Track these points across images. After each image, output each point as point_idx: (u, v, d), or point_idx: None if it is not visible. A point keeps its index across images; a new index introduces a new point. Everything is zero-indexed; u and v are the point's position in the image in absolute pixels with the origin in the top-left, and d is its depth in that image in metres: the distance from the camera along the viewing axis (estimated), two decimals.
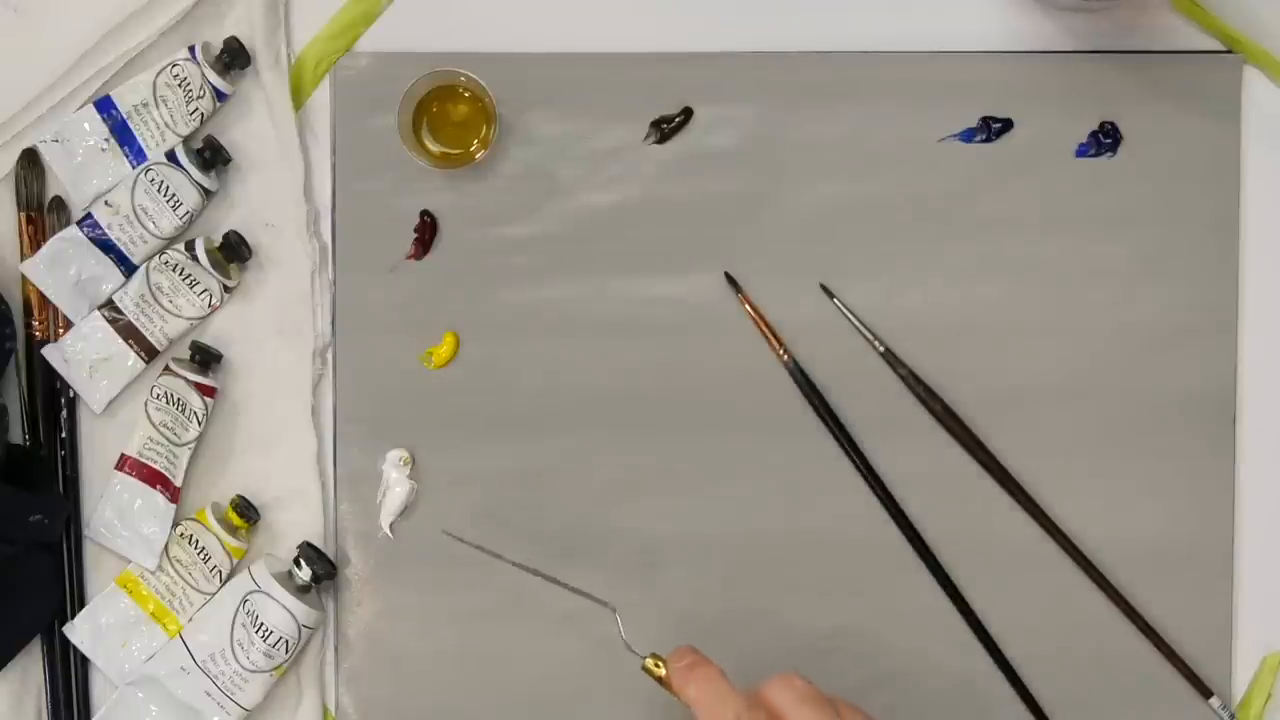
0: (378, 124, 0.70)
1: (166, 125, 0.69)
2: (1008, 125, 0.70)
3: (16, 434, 0.70)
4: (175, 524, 0.69)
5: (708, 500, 0.70)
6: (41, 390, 0.70)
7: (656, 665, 0.59)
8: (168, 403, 0.68)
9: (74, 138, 0.69)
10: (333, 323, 0.70)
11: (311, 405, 0.70)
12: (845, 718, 0.58)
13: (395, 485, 0.69)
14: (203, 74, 0.68)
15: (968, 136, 0.70)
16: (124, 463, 0.69)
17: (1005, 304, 0.70)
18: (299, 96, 0.70)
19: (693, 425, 0.70)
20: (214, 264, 0.69)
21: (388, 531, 0.70)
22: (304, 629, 0.67)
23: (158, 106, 0.69)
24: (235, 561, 0.69)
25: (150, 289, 0.69)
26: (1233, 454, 0.70)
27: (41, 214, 0.70)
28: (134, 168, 0.69)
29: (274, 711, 0.70)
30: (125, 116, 0.69)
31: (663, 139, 0.70)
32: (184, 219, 0.69)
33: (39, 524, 0.67)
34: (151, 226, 0.69)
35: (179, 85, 0.69)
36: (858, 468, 0.69)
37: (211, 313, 0.70)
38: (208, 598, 0.69)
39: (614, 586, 0.70)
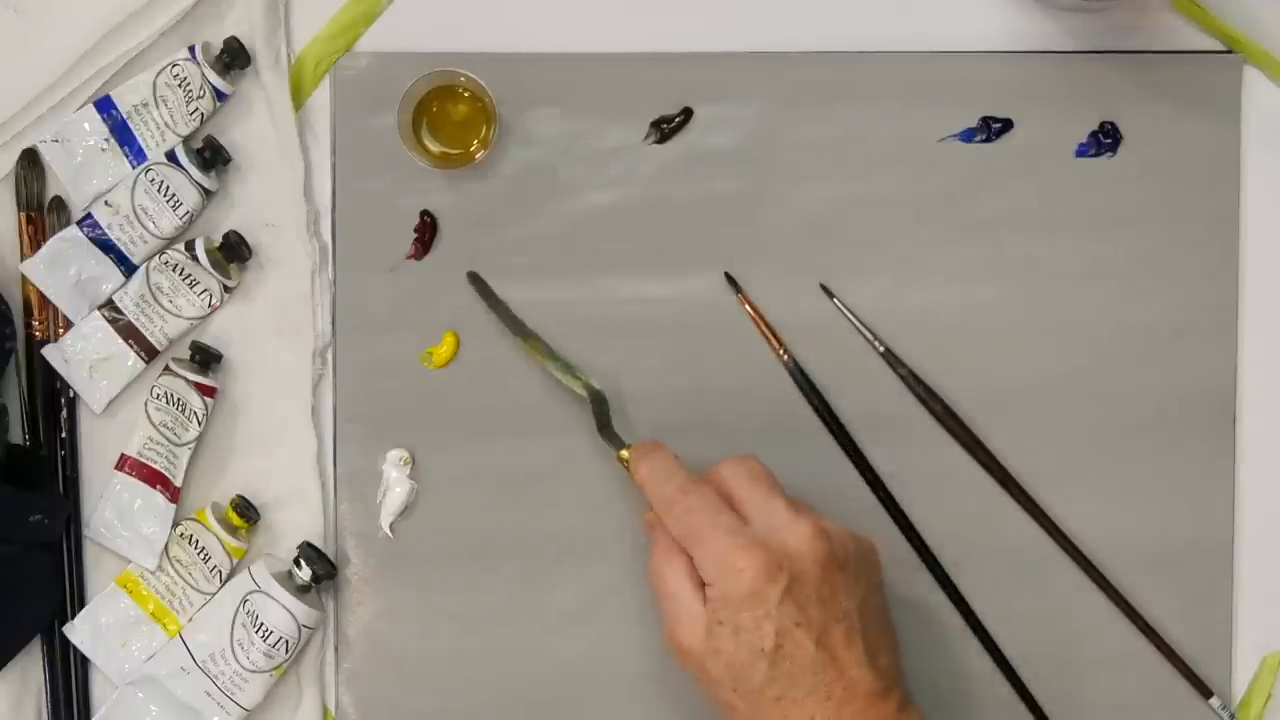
0: (378, 124, 0.70)
1: (166, 125, 0.69)
2: (1008, 125, 0.70)
3: (16, 434, 0.70)
4: (175, 524, 0.69)
5: None
6: (41, 390, 0.70)
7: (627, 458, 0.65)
8: (168, 403, 0.68)
9: (74, 138, 0.69)
10: (333, 323, 0.70)
11: (311, 405, 0.70)
12: (794, 505, 0.61)
13: (395, 485, 0.69)
14: (203, 74, 0.68)
15: (968, 136, 0.70)
16: (124, 463, 0.69)
17: (1005, 304, 0.70)
18: (299, 96, 0.70)
19: (692, 425, 0.70)
20: (214, 264, 0.69)
21: (388, 531, 0.70)
22: (304, 629, 0.67)
23: (158, 106, 0.69)
24: (235, 561, 0.69)
25: (150, 289, 0.69)
26: (1233, 454, 0.70)
27: (41, 214, 0.70)
28: (134, 168, 0.69)
29: (274, 711, 0.70)
30: (125, 116, 0.69)
31: (663, 139, 0.70)
32: (184, 219, 0.69)
33: (39, 524, 0.67)
34: (151, 226, 0.69)
35: (179, 85, 0.69)
36: (858, 468, 0.69)
37: (211, 313, 0.70)
38: (208, 598, 0.69)
39: (614, 586, 0.70)
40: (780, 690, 0.58)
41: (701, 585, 0.60)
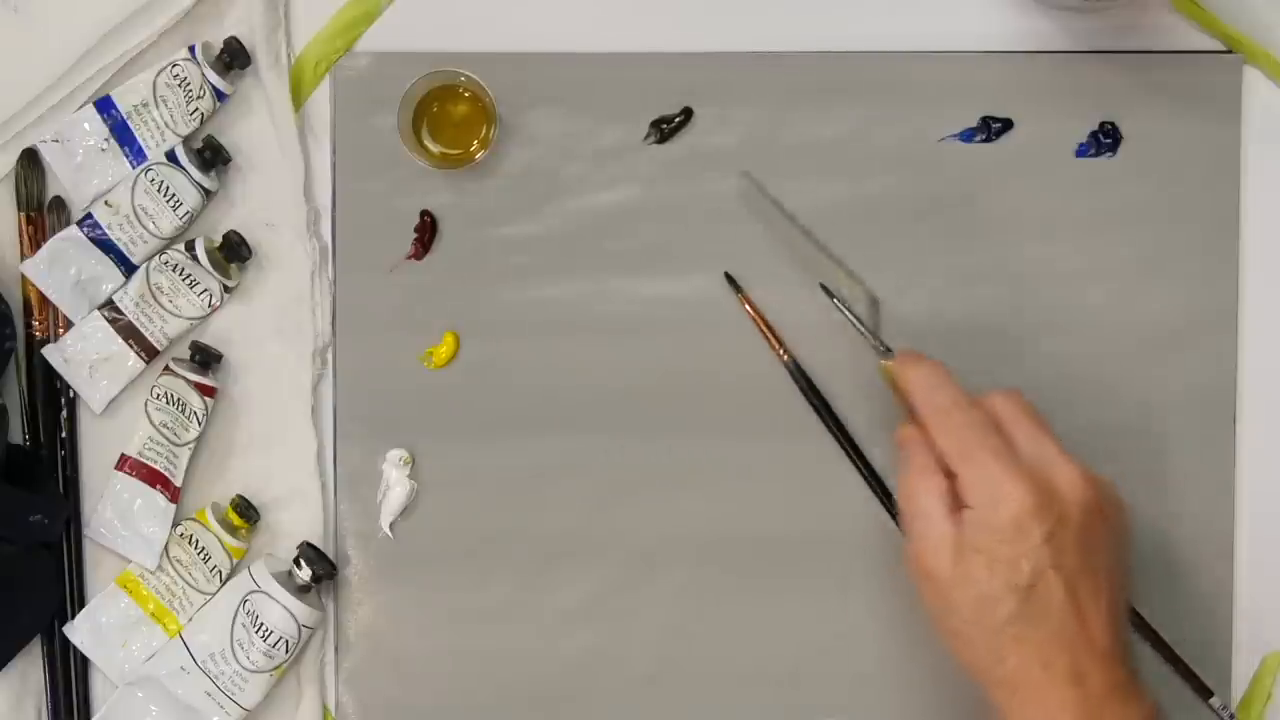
0: (378, 124, 0.70)
1: (166, 125, 0.69)
2: (1008, 125, 0.70)
3: (16, 434, 0.70)
4: (175, 524, 0.69)
5: (708, 500, 0.70)
6: (41, 390, 0.70)
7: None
8: (168, 403, 0.68)
9: (74, 138, 0.69)
10: (333, 323, 0.70)
11: (311, 405, 0.70)
12: (1060, 453, 0.60)
13: (395, 485, 0.69)
14: (203, 74, 0.68)
15: (968, 136, 0.70)
16: (124, 463, 0.69)
17: (1005, 304, 0.70)
18: (299, 96, 0.70)
19: (693, 425, 0.70)
20: (214, 264, 0.69)
21: (388, 531, 0.70)
22: (304, 629, 0.67)
23: (158, 106, 0.69)
24: (235, 561, 0.69)
25: (150, 289, 0.69)
26: (1233, 454, 0.69)
27: (41, 214, 0.70)
28: (134, 168, 0.69)
29: (274, 711, 0.70)
30: (125, 116, 0.69)
31: (663, 139, 0.70)
32: (184, 219, 0.69)
33: (39, 524, 0.67)
34: (151, 226, 0.69)
35: (179, 85, 0.69)
36: (858, 468, 0.69)
37: (211, 313, 0.70)
38: (208, 598, 0.69)
39: (614, 586, 0.70)
40: (1021, 630, 0.57)
41: (955, 510, 0.59)
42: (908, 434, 0.62)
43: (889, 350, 0.65)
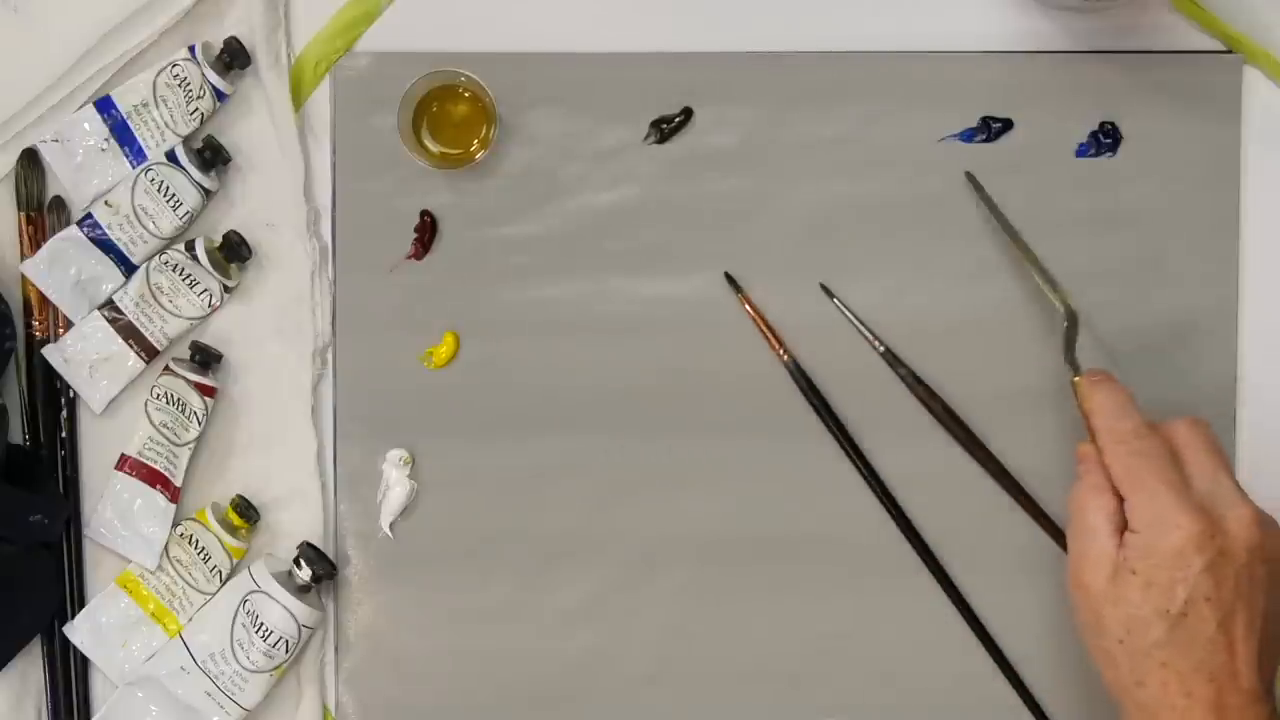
0: (378, 124, 0.70)
1: (166, 125, 0.69)
2: (1008, 125, 0.70)
3: (16, 434, 0.70)
4: (175, 524, 0.69)
5: (708, 500, 0.70)
6: (41, 390, 0.70)
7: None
8: (168, 403, 0.68)
9: (74, 138, 0.69)
10: (333, 323, 0.70)
11: (311, 405, 0.70)
12: (1235, 491, 0.60)
13: (395, 485, 0.69)
14: (203, 74, 0.68)
15: (968, 136, 0.70)
16: (124, 463, 0.69)
17: (1005, 304, 0.70)
18: (299, 96, 0.70)
19: (693, 425, 0.70)
20: (214, 264, 0.69)
21: (388, 531, 0.70)
22: (304, 629, 0.67)
23: (158, 106, 0.69)
24: (235, 561, 0.69)
25: (150, 289, 0.69)
26: (1233, 454, 0.69)
27: (41, 214, 0.70)
28: (134, 168, 0.69)
29: (274, 711, 0.70)
30: (125, 116, 0.69)
31: (663, 139, 0.70)
32: (184, 219, 0.69)
33: (39, 524, 0.67)
34: (151, 226, 0.69)
35: (179, 85, 0.69)
36: (858, 468, 0.69)
37: (211, 313, 0.70)
38: (208, 598, 0.69)
39: (614, 586, 0.70)
40: (1167, 656, 0.57)
41: (1119, 531, 0.59)
42: (1086, 451, 0.62)
43: (1078, 366, 0.65)
